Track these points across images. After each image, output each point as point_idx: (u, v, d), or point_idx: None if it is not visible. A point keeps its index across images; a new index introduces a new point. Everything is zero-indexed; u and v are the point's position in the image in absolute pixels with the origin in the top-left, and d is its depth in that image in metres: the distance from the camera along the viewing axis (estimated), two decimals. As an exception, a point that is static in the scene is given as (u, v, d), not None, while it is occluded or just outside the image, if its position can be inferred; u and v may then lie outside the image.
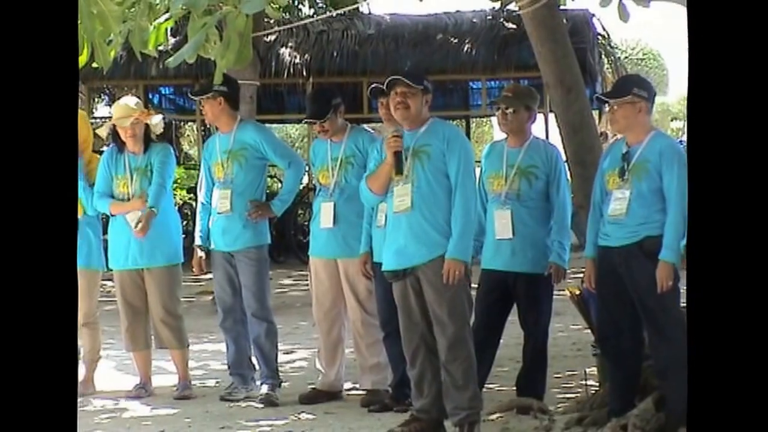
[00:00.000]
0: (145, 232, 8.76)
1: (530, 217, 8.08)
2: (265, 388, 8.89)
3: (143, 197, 8.85)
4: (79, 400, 8.99)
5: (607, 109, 7.83)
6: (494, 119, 9.08)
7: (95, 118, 18.38)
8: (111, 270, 9.19)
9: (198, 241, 9.09)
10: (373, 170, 7.68)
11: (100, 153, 9.27)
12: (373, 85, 8.31)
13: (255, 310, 8.96)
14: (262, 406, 8.69)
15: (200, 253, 9.07)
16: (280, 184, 10.51)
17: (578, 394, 8.58)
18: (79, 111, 10.08)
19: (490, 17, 17.94)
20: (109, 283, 10.09)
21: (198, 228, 9.16)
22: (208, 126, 20.48)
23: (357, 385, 8.88)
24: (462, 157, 7.41)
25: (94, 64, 7.52)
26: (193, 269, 9.29)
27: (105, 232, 9.18)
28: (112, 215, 9.01)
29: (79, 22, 7.13)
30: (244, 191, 8.91)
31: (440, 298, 7.37)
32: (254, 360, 9.12)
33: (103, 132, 9.14)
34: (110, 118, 9.30)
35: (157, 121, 9.12)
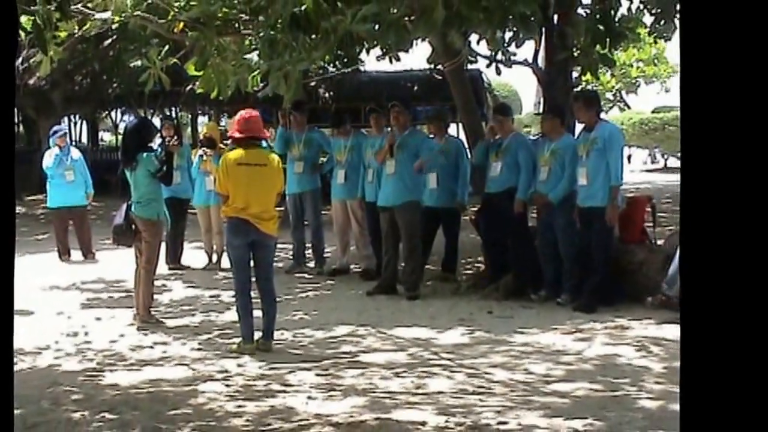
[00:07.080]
0: None
1: (448, 177, 8.06)
2: (320, 263, 8.94)
3: None
4: (210, 272, 9.09)
5: (492, 121, 7.85)
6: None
7: (221, 126, 18.24)
8: None
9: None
10: (377, 151, 7.69)
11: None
12: (368, 108, 8.27)
13: (315, 223, 8.95)
14: (315, 274, 8.74)
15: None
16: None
17: (473, 271, 8.63)
18: (213, 122, 10.01)
19: (428, 72, 17.78)
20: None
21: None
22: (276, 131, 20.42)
23: (357, 266, 8.85)
24: (422, 146, 7.53)
25: (220, 97, 7.49)
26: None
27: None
28: None
29: (212, 75, 7.15)
30: (309, 161, 8.91)
31: (403, 225, 7.41)
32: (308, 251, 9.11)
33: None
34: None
35: None
